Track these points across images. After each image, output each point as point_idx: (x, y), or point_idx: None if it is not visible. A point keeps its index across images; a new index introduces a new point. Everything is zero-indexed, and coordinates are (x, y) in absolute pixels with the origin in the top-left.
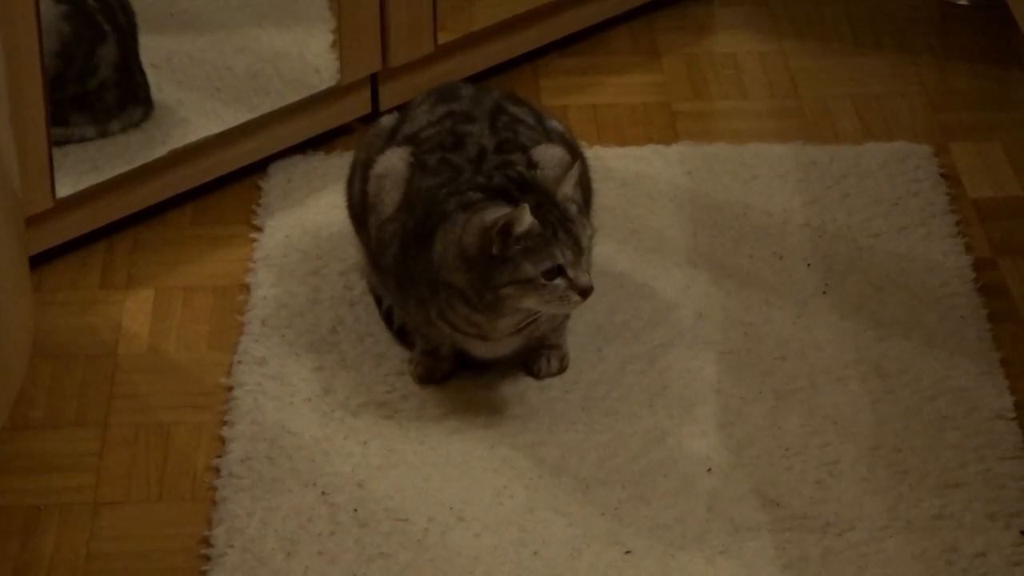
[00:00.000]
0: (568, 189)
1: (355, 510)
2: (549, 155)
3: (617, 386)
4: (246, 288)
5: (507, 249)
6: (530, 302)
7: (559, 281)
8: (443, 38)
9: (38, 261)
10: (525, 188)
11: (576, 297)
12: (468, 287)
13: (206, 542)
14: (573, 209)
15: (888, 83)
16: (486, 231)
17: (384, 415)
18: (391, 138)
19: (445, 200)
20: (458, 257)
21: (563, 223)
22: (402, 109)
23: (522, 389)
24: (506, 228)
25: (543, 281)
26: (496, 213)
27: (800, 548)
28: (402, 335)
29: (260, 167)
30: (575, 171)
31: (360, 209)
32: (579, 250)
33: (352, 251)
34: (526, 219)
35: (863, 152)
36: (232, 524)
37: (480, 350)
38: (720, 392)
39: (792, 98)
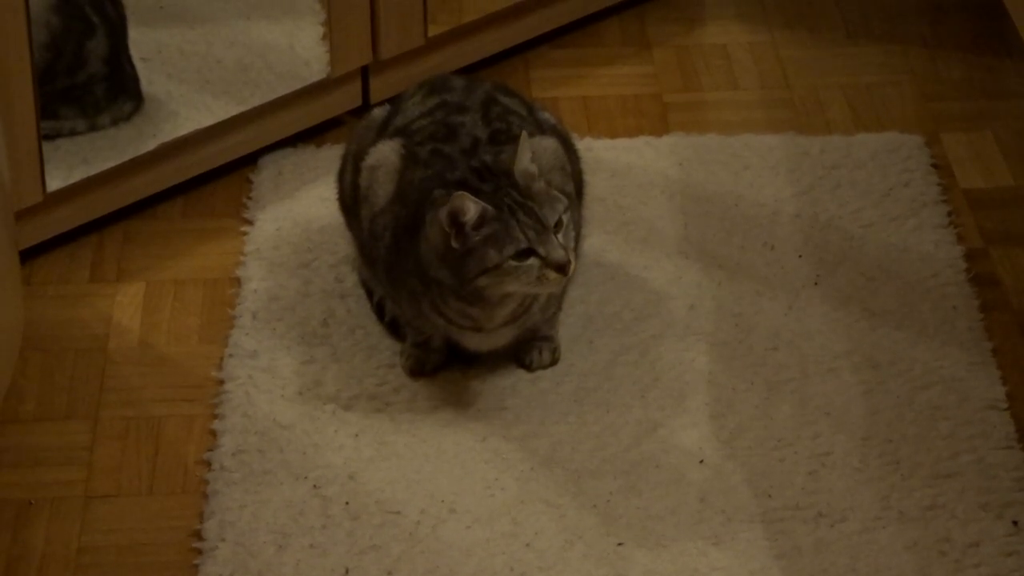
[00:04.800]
0: (525, 164)
1: (347, 503)
2: (542, 147)
3: (609, 378)
4: (237, 281)
5: (468, 239)
6: (511, 287)
7: (532, 261)
8: (433, 30)
9: (28, 255)
10: (485, 176)
11: (553, 274)
12: (452, 282)
13: (197, 535)
14: (537, 185)
15: (879, 73)
16: (441, 226)
17: (375, 408)
18: (383, 130)
19: (426, 201)
20: (435, 256)
21: (521, 204)
22: (393, 101)
23: (514, 381)
24: (453, 218)
25: (513, 264)
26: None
27: (792, 539)
28: (393, 328)
29: (250, 160)
30: (527, 144)
31: (352, 201)
32: (543, 227)
33: (343, 244)
34: (469, 206)
35: (854, 142)
36: (223, 517)
37: (474, 342)
38: (712, 383)
39: (783, 89)
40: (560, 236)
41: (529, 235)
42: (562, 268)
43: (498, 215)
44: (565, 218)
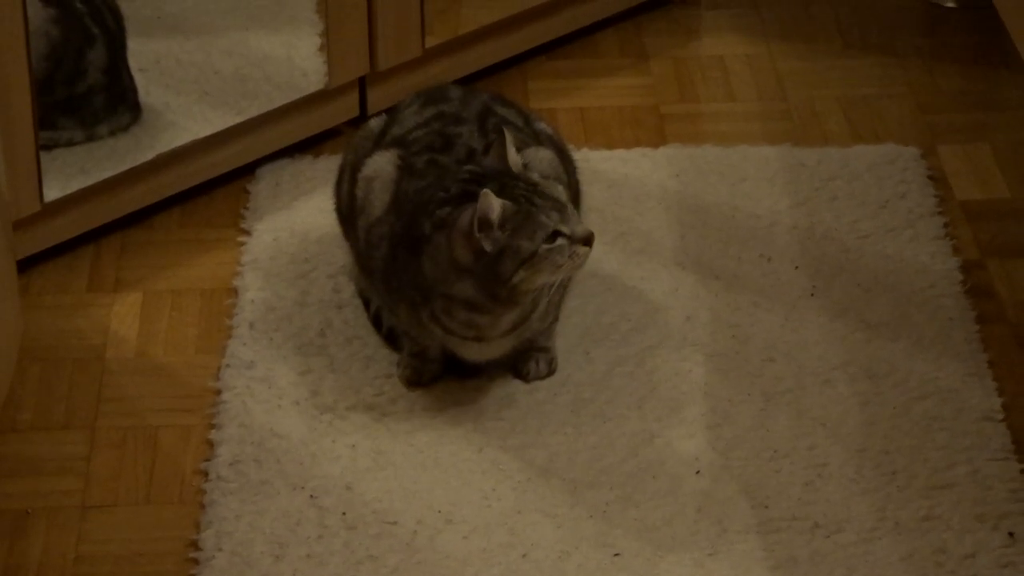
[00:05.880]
0: (514, 159)
1: (343, 513)
2: (539, 158)
3: (605, 388)
4: (234, 291)
5: (496, 241)
6: (544, 275)
7: (560, 241)
8: (431, 41)
9: (26, 265)
10: (482, 181)
11: (582, 248)
12: (477, 293)
13: (194, 545)
14: (534, 174)
15: (876, 85)
16: (469, 236)
17: (372, 418)
18: (379, 140)
19: (422, 224)
20: (458, 271)
21: (533, 191)
22: (390, 111)
23: (510, 392)
24: (484, 220)
25: (546, 248)
26: (468, 216)
27: (789, 550)
28: (391, 338)
29: (248, 170)
30: (511, 139)
31: (348, 212)
32: (561, 206)
33: (340, 254)
34: (494, 203)
35: (851, 154)
36: (220, 527)
37: (472, 353)
38: (708, 394)
39: (780, 100)
40: (571, 213)
41: (552, 216)
42: (588, 240)
43: (518, 207)
44: (569, 202)
